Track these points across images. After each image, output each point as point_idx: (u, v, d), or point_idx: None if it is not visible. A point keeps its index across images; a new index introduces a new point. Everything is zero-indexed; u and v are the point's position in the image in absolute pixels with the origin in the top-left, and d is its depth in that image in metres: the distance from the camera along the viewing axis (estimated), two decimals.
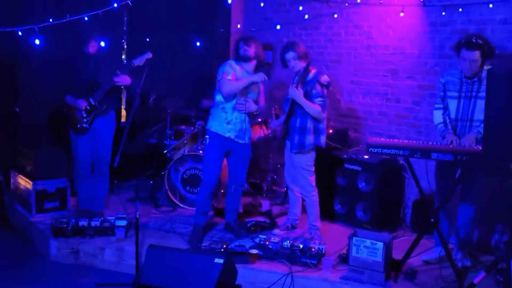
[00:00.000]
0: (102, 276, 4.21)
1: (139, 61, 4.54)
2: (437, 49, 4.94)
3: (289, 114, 4.56)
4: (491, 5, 4.42)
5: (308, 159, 4.57)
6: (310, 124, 4.47)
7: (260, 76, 4.45)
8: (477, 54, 3.85)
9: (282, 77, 6.55)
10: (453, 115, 4.10)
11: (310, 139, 4.48)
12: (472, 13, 4.59)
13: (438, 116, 4.22)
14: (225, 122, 4.53)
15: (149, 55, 4.50)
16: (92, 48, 4.69)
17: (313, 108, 4.41)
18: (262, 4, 5.52)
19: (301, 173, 4.60)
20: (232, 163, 4.74)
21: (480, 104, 3.90)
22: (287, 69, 4.63)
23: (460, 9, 4.66)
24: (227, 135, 4.54)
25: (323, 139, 4.54)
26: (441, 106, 4.21)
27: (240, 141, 4.60)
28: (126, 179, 6.23)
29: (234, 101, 4.53)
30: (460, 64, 3.99)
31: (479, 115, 3.91)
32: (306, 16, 5.67)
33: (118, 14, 5.00)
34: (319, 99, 4.42)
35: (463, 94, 4.02)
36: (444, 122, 4.15)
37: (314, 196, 4.65)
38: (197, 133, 5.73)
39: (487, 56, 3.88)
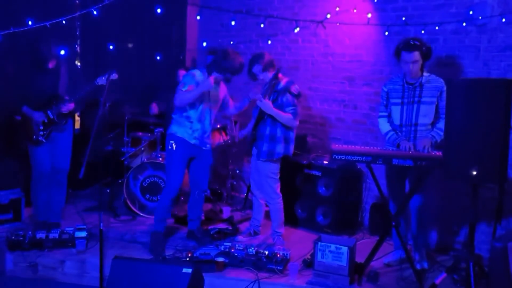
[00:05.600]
0: None
1: (102, 81, 4.41)
2: (392, 57, 5.05)
3: (257, 120, 4.57)
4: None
5: (274, 168, 4.61)
6: (280, 133, 4.50)
7: (207, 84, 4.31)
8: (416, 55, 4.01)
9: (240, 83, 6.60)
10: (397, 121, 4.24)
11: (280, 148, 4.51)
12: (425, 24, 4.77)
13: (384, 124, 4.34)
14: (190, 130, 4.52)
15: (114, 76, 4.33)
16: (51, 64, 4.56)
17: (285, 117, 4.45)
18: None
19: (266, 180, 4.63)
20: (195, 170, 4.72)
21: (423, 109, 4.08)
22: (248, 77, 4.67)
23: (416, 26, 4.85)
24: (193, 141, 4.53)
25: (291, 148, 4.60)
26: (385, 114, 4.35)
27: (203, 147, 4.61)
28: (81, 188, 6.07)
29: (199, 111, 4.50)
30: (402, 68, 4.13)
31: (423, 119, 4.10)
32: (262, 25, 5.69)
33: (70, 19, 4.89)
34: (290, 107, 4.46)
35: (405, 100, 4.17)
36: (394, 130, 4.27)
37: (278, 203, 4.68)
38: (155, 140, 5.66)
39: (425, 57, 4.05)
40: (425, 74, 4.12)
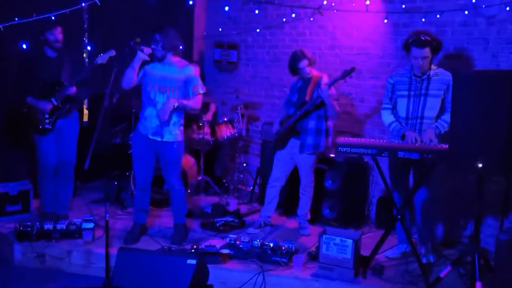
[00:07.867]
0: (70, 280, 4.13)
1: (102, 59, 4.40)
2: (400, 50, 4.99)
3: (303, 115, 4.60)
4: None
5: (315, 159, 4.75)
6: (323, 126, 4.64)
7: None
8: (427, 51, 3.96)
9: (247, 77, 6.60)
10: (403, 114, 4.19)
11: (323, 140, 4.64)
12: (433, 15, 4.73)
13: (387, 115, 4.30)
14: (143, 118, 4.41)
15: (112, 53, 4.36)
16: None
17: (336, 109, 4.59)
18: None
19: (309, 171, 4.76)
20: (161, 164, 4.59)
21: (430, 101, 4.04)
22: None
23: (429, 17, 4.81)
24: (144, 132, 4.41)
25: (330, 140, 4.75)
26: (389, 106, 4.31)
27: (158, 139, 4.37)
28: (89, 180, 6.12)
29: (147, 92, 4.36)
30: (412, 62, 4.08)
31: (429, 112, 4.06)
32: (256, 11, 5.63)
33: (78, 12, 4.90)
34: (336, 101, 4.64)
35: (412, 93, 4.13)
36: (397, 121, 4.23)
37: (312, 191, 4.85)
38: None
39: (435, 51, 4.00)
40: (433, 67, 4.07)
